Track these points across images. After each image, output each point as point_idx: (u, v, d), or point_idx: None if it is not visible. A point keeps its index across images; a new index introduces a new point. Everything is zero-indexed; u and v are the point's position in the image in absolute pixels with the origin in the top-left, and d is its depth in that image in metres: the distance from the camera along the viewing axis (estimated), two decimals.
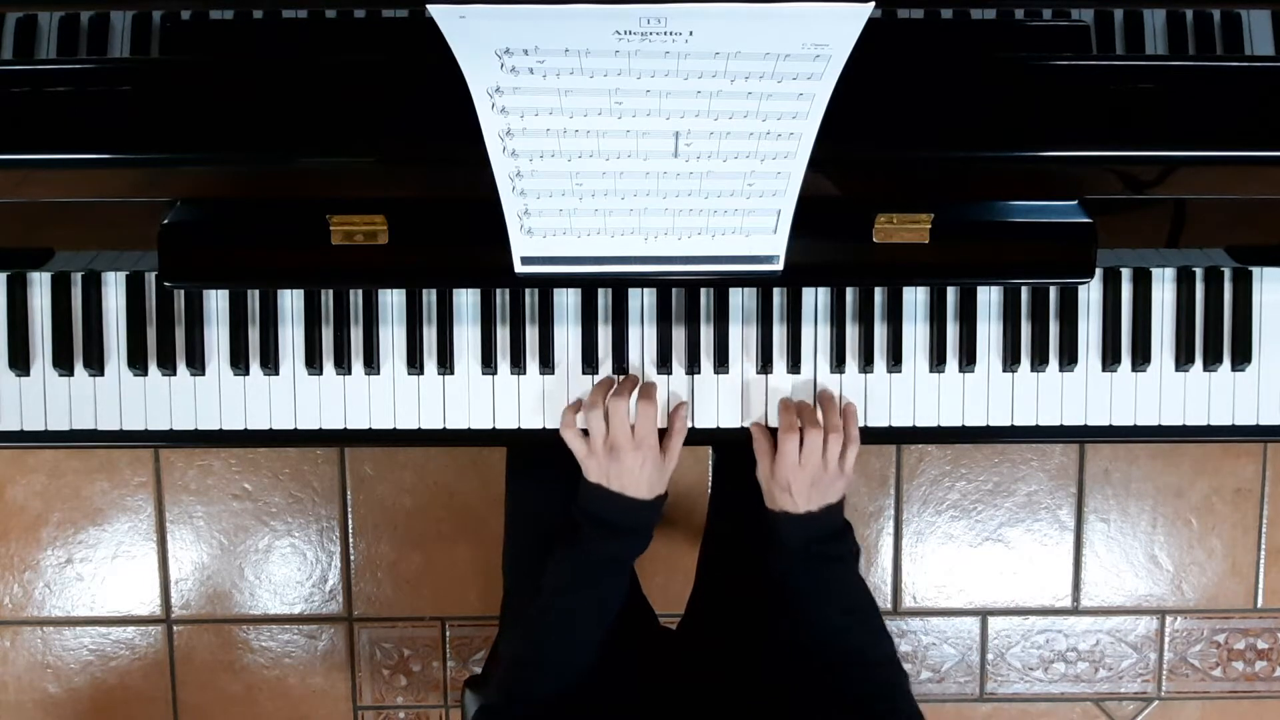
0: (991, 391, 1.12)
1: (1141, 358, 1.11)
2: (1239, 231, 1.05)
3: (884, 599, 1.93)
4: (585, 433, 1.03)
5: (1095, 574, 1.94)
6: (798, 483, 1.01)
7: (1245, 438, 1.15)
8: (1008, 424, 1.13)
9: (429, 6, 0.75)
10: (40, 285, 1.11)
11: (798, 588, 1.03)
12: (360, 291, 1.10)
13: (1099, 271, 1.11)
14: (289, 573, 1.92)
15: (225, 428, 1.12)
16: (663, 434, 1.05)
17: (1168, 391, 1.13)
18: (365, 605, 1.93)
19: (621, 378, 1.10)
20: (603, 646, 1.03)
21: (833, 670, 1.02)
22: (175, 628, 1.93)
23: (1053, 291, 1.11)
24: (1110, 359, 1.12)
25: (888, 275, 1.03)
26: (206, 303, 1.11)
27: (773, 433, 1.07)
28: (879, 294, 1.11)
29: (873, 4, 0.75)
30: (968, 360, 1.11)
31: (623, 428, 1.00)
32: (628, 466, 1.00)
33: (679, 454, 1.05)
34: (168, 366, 1.10)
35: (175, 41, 1.03)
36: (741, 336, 1.11)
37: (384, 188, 0.99)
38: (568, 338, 1.11)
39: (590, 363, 1.11)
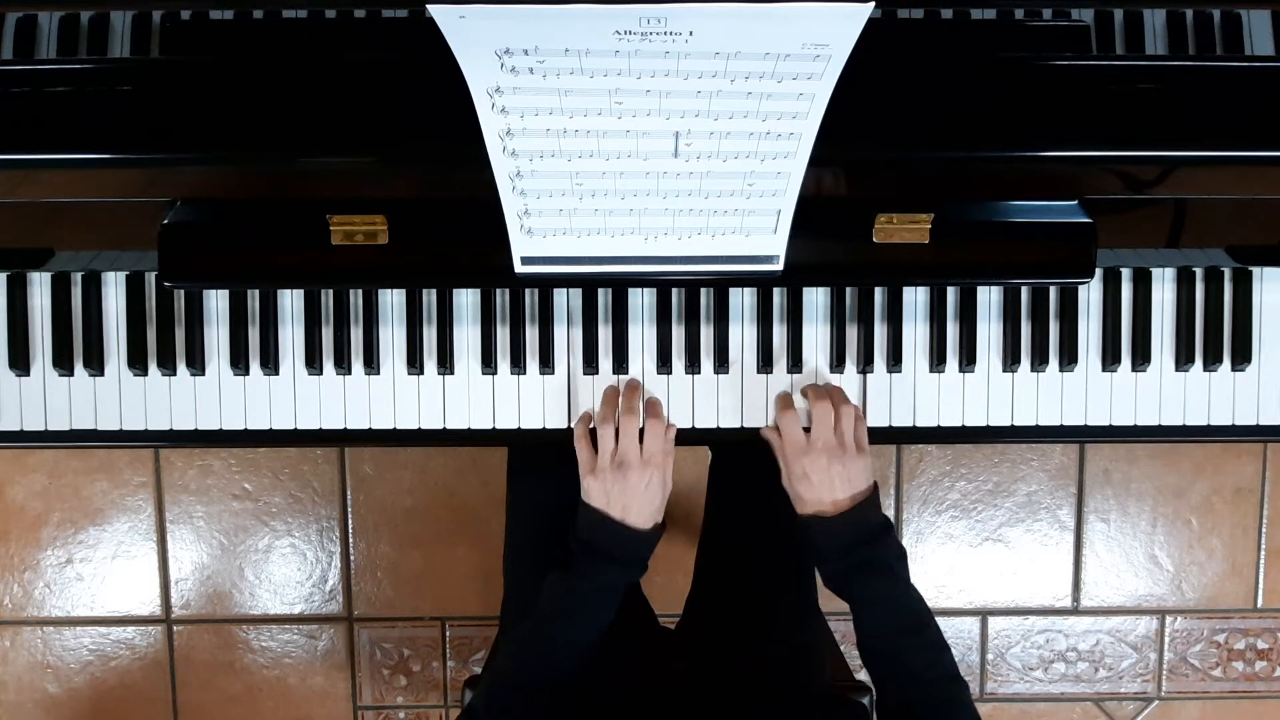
0: (991, 391, 1.12)
1: (1141, 358, 1.11)
2: (1239, 231, 1.05)
3: None
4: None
5: (1095, 574, 1.94)
6: (814, 466, 0.97)
7: (1245, 438, 1.15)
8: (1008, 424, 1.13)
9: (429, 6, 0.75)
10: (40, 285, 1.11)
11: (849, 601, 0.99)
12: (360, 291, 1.10)
13: (1099, 271, 1.11)
14: (289, 573, 1.92)
15: (225, 428, 1.12)
16: None
17: (1168, 391, 1.13)
18: (365, 605, 1.93)
19: (624, 380, 1.10)
20: (595, 657, 1.02)
21: (887, 688, 0.98)
22: (175, 628, 1.93)
23: (1053, 291, 1.11)
24: (1110, 359, 1.12)
25: (888, 275, 1.03)
26: (206, 303, 1.11)
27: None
28: (879, 294, 1.11)
29: (873, 4, 0.75)
30: (968, 360, 1.11)
31: (633, 444, 0.99)
32: (633, 485, 0.98)
33: (670, 479, 1.03)
34: (168, 366, 1.10)
35: (175, 41, 1.03)
36: (741, 336, 1.11)
37: (384, 188, 0.99)
38: (568, 338, 1.11)
39: (590, 363, 1.11)
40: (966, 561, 1.94)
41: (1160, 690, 1.98)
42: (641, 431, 1.02)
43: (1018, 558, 1.94)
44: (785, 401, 1.03)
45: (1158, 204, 1.02)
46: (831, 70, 0.81)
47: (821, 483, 0.98)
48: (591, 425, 1.05)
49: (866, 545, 0.98)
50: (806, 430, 1.02)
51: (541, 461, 1.25)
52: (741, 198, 0.92)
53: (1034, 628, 1.96)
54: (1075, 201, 0.99)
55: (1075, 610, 1.96)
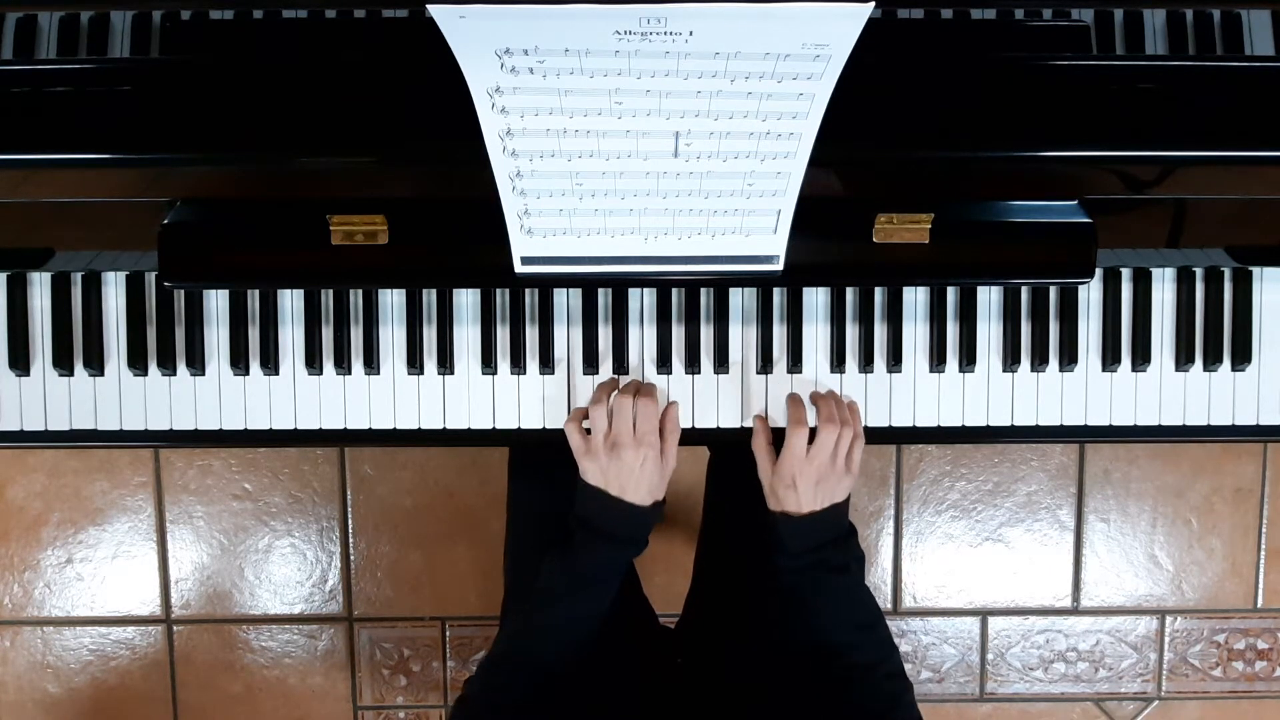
0: (991, 391, 1.12)
1: (1141, 358, 1.11)
2: (1239, 231, 1.05)
3: (884, 599, 1.93)
4: (588, 432, 1.02)
5: (1095, 574, 1.94)
6: (804, 479, 0.99)
7: (1245, 438, 1.15)
8: (1008, 424, 1.13)
9: (429, 6, 0.75)
10: (40, 285, 1.11)
11: (802, 596, 1.01)
12: (360, 291, 1.10)
13: (1099, 271, 1.11)
14: (289, 573, 1.92)
15: (225, 428, 1.12)
16: None
17: (1168, 391, 1.13)
18: (365, 605, 1.93)
19: (625, 380, 1.10)
20: (595, 648, 1.02)
21: (836, 682, 1.00)
22: (175, 628, 1.93)
23: (1053, 291, 1.11)
24: (1110, 359, 1.12)
25: (888, 275, 1.03)
26: (206, 303, 1.11)
27: (777, 433, 1.07)
28: (879, 294, 1.11)
29: (873, 4, 0.75)
30: (968, 360, 1.11)
31: (625, 424, 0.99)
32: (628, 464, 0.98)
33: (675, 456, 1.04)
34: (168, 366, 1.10)
35: (175, 41, 1.03)
36: (741, 336, 1.11)
37: (384, 188, 0.99)
38: (568, 338, 1.11)
39: (590, 363, 1.11)
40: (966, 561, 1.94)
41: (1160, 690, 1.98)
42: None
43: (1018, 558, 1.94)
44: (799, 414, 1.03)
45: (1158, 204, 1.02)
46: (831, 70, 0.81)
47: (805, 492, 1.00)
48: (586, 425, 1.05)
49: (828, 546, 1.01)
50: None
51: (542, 461, 1.25)
52: (741, 198, 0.92)
53: (1034, 628, 1.96)
54: (1075, 201, 0.99)
55: (1075, 610, 1.95)
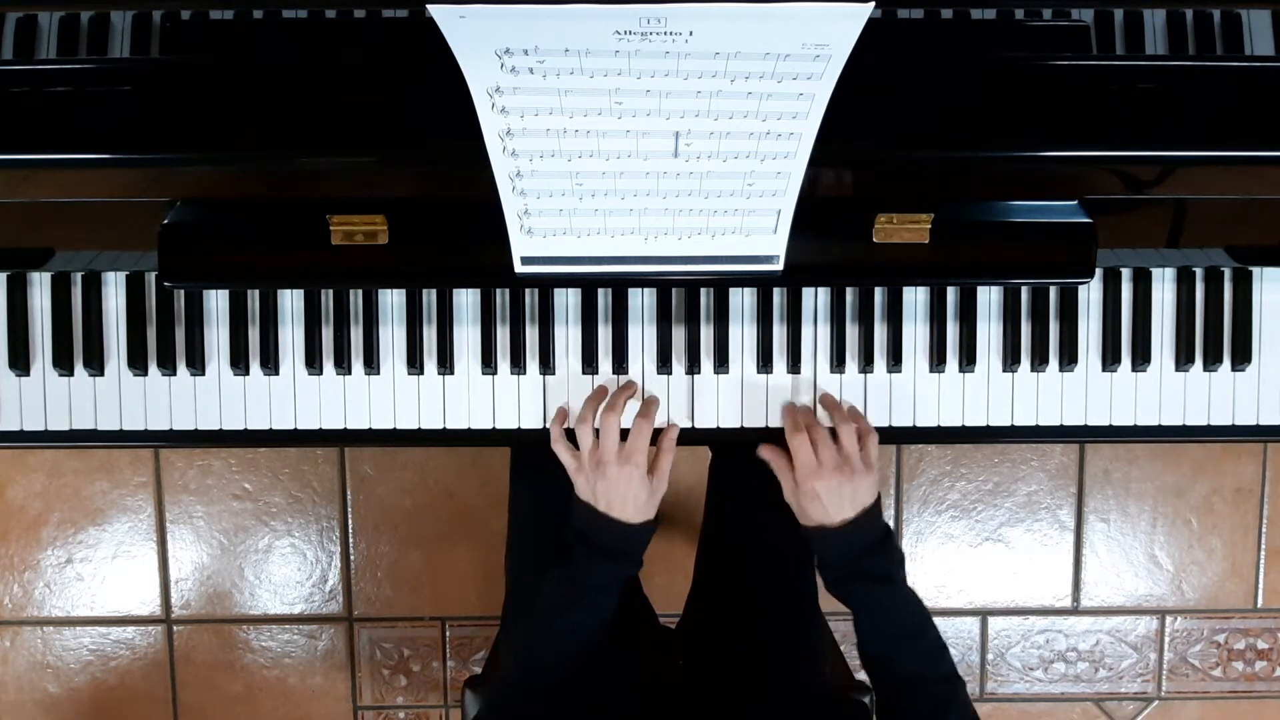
0: (991, 391, 1.12)
1: (1141, 358, 1.11)
2: (1239, 231, 1.05)
3: None
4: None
5: (1095, 574, 1.94)
6: (825, 486, 0.98)
7: (1245, 438, 1.15)
8: (1008, 424, 1.13)
9: (429, 6, 0.75)
10: (40, 285, 1.11)
11: (849, 608, 1.01)
12: (360, 291, 1.10)
13: (1099, 271, 1.11)
14: (289, 573, 1.92)
15: (225, 428, 1.12)
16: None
17: (1168, 391, 1.13)
18: (365, 605, 1.93)
19: (622, 381, 1.10)
20: (598, 652, 1.02)
21: (885, 691, 1.00)
22: (175, 628, 1.93)
23: (1053, 291, 1.11)
24: (1110, 359, 1.12)
25: (888, 275, 1.03)
26: (206, 303, 1.11)
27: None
28: (879, 294, 1.11)
29: (873, 4, 0.75)
30: (968, 360, 1.11)
31: (611, 442, 0.99)
32: (613, 482, 0.99)
33: (668, 476, 1.03)
34: (168, 366, 1.10)
35: (175, 41, 1.03)
36: (741, 336, 1.11)
37: (384, 188, 0.99)
38: (568, 338, 1.11)
39: (590, 363, 1.11)
40: (966, 561, 1.94)
41: (1160, 690, 1.98)
42: (627, 431, 1.02)
43: (1018, 558, 1.94)
44: (795, 423, 1.03)
45: (1158, 204, 1.02)
46: (831, 70, 0.81)
47: (831, 502, 0.99)
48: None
49: (866, 554, 0.99)
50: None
51: (543, 461, 1.24)
52: (741, 198, 0.92)
53: (1034, 628, 1.96)
54: (1075, 201, 0.99)
55: (1075, 610, 1.96)
